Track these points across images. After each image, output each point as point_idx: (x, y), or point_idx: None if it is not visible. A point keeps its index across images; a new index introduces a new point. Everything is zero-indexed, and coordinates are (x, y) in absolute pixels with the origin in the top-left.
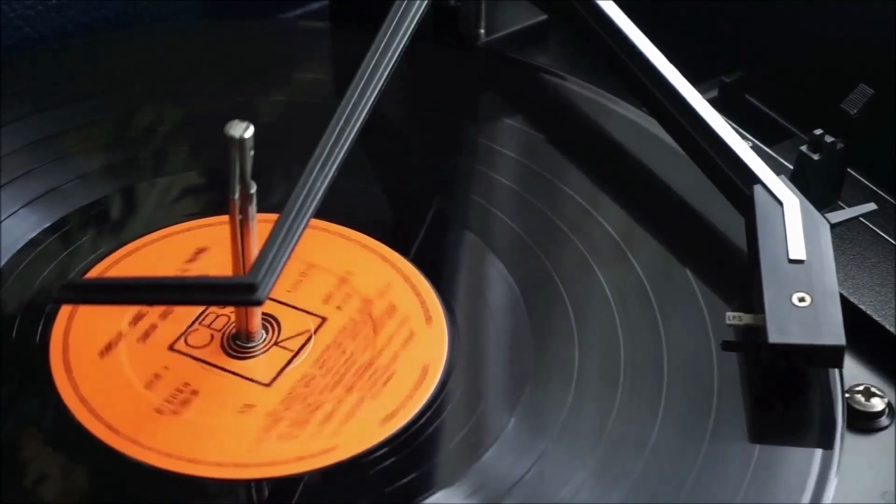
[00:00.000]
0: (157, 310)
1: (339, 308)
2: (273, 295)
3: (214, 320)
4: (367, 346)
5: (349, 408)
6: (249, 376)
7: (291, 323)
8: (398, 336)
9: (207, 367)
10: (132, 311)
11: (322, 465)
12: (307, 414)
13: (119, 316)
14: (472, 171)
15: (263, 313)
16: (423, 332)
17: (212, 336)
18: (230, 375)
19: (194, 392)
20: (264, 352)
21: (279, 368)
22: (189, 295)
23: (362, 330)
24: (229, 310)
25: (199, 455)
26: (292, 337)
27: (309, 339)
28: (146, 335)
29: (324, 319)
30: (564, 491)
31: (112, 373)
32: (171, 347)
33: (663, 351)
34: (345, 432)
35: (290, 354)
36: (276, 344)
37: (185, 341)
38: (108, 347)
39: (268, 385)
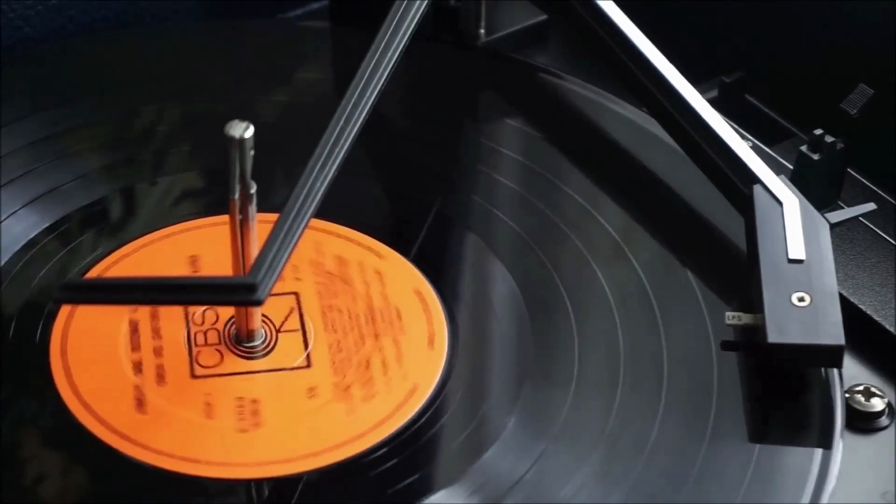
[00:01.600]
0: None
1: (298, 279)
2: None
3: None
4: (352, 296)
5: (393, 350)
6: (282, 367)
7: (277, 307)
8: (375, 279)
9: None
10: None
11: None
12: (365, 371)
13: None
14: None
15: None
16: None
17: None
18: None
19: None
20: (275, 345)
21: (304, 349)
22: (189, 295)
23: (337, 286)
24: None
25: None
26: (286, 320)
27: (299, 316)
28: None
29: (296, 294)
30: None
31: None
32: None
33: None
34: (410, 370)
35: (300, 335)
36: (279, 332)
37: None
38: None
39: (308, 367)
